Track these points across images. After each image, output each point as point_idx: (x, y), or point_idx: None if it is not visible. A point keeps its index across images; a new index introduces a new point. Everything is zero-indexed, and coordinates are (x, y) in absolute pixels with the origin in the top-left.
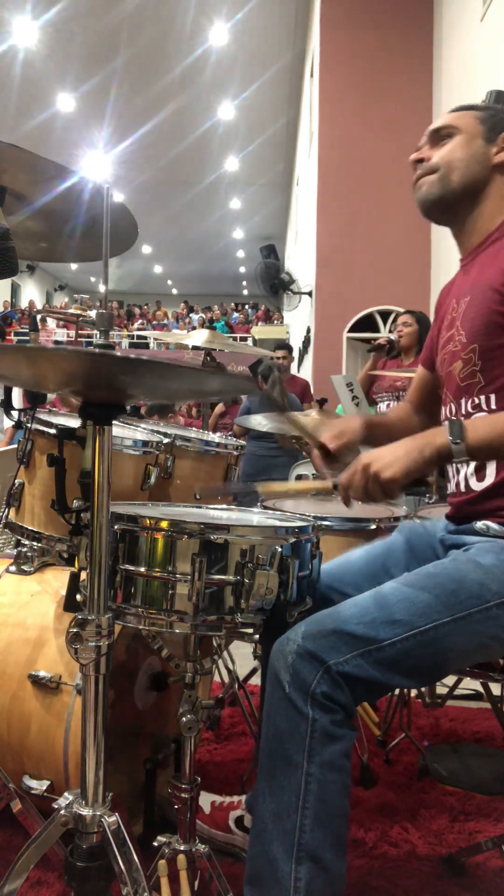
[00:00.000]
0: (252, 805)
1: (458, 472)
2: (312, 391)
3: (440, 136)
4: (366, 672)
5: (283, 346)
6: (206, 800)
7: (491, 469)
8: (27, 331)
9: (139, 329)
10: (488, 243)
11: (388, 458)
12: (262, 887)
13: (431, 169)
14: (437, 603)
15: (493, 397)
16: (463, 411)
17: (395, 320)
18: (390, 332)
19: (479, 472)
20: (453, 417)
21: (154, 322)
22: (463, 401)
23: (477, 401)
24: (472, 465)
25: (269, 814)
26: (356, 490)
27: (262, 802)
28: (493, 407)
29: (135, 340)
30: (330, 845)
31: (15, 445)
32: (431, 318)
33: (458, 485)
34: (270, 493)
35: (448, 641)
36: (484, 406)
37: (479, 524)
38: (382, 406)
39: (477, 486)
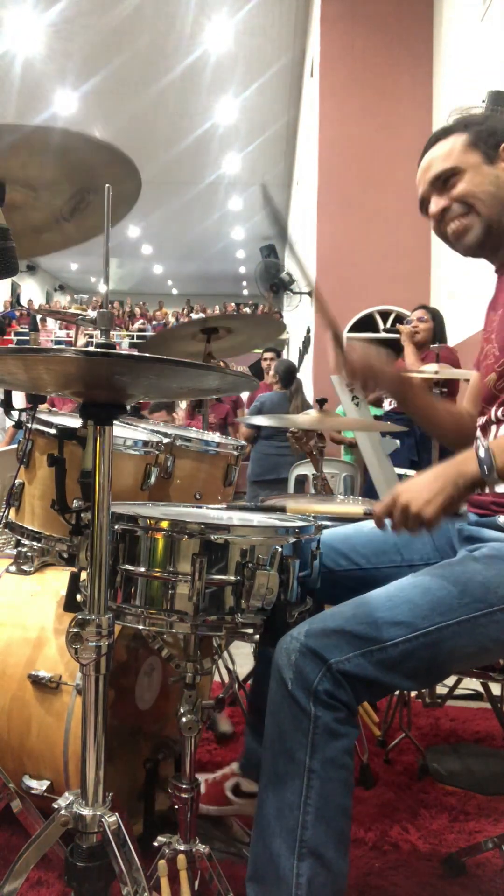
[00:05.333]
0: (245, 767)
1: None
2: (312, 391)
3: (444, 181)
4: (367, 672)
5: (271, 348)
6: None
7: None
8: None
9: (139, 329)
10: None
11: (426, 495)
12: (264, 884)
13: (457, 215)
14: (441, 605)
15: None
16: (494, 418)
17: (395, 321)
18: (387, 331)
19: None
20: (486, 426)
21: (154, 322)
22: (496, 409)
23: None
24: None
25: (272, 810)
26: (395, 525)
27: (264, 799)
28: None
29: (135, 340)
30: (332, 842)
31: (15, 445)
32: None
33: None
34: (299, 511)
35: (451, 644)
36: None
37: (502, 519)
38: (387, 403)
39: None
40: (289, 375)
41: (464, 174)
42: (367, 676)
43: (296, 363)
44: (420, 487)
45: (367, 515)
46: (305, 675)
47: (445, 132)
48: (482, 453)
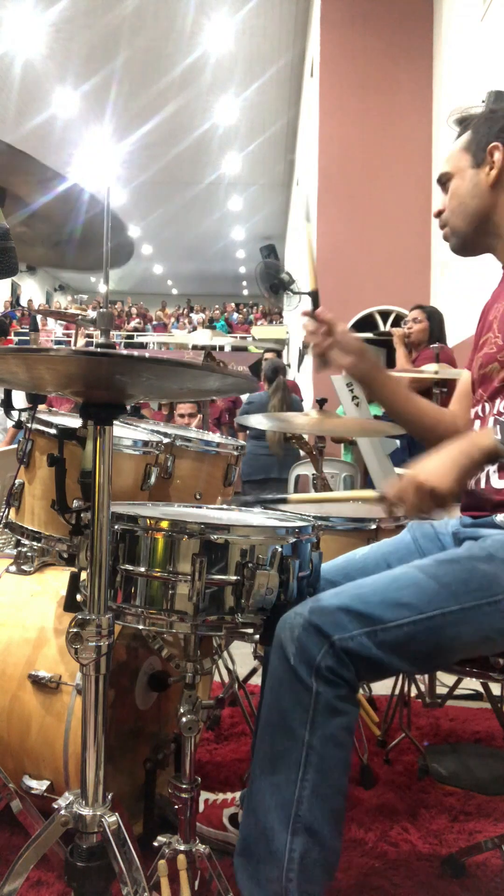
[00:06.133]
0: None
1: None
2: (312, 391)
3: (443, 185)
4: (369, 651)
5: (272, 349)
6: (200, 799)
7: None
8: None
9: (134, 329)
10: None
11: (440, 470)
12: (254, 858)
13: (443, 223)
14: (446, 591)
15: None
16: (494, 411)
17: (395, 321)
18: (380, 334)
19: (502, 471)
20: (488, 416)
21: (154, 322)
22: (498, 400)
23: None
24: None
25: (267, 785)
26: (410, 507)
27: (259, 774)
28: None
29: (130, 341)
30: (327, 820)
31: (15, 445)
32: (477, 322)
33: (478, 482)
34: (302, 501)
35: (454, 630)
36: None
37: (501, 517)
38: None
39: (499, 483)
40: (273, 374)
41: (451, 180)
42: (370, 656)
43: (295, 363)
44: (432, 465)
45: (381, 500)
46: (308, 651)
47: (465, 127)
48: (500, 426)
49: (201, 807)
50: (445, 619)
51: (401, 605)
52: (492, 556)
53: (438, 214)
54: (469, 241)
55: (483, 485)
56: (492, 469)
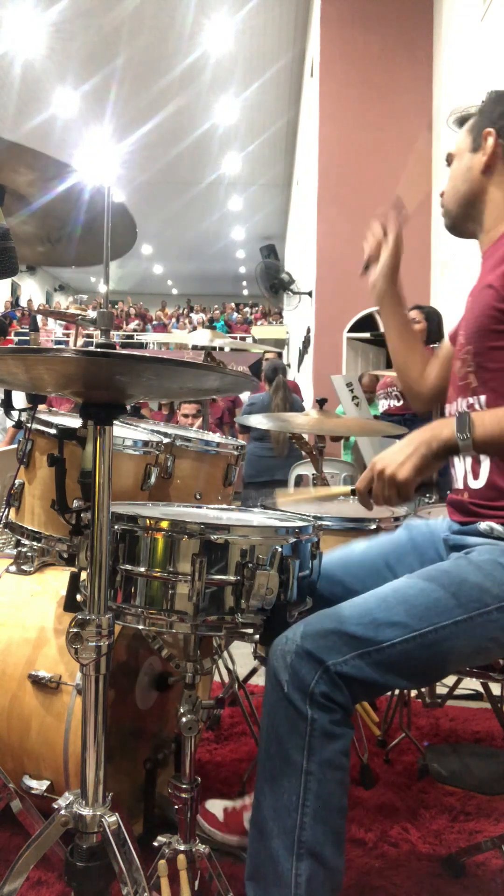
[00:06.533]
0: None
1: (457, 468)
2: (312, 391)
3: (449, 165)
4: (364, 673)
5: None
6: (218, 807)
7: (485, 466)
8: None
9: (134, 330)
10: (495, 247)
11: (399, 458)
12: (263, 882)
13: (442, 203)
14: (437, 606)
15: (483, 399)
16: (460, 410)
17: None
18: (378, 335)
19: (475, 470)
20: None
21: (154, 322)
22: (460, 400)
23: (471, 401)
24: (469, 462)
25: (270, 811)
26: (375, 497)
27: (261, 800)
28: (485, 408)
29: (129, 341)
30: (329, 841)
31: (15, 445)
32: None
33: (456, 481)
34: (288, 501)
35: (448, 644)
36: (477, 407)
37: (483, 525)
38: (382, 405)
39: (474, 483)
40: (273, 374)
41: (453, 161)
42: (365, 678)
43: (295, 363)
44: (393, 453)
45: (353, 493)
46: (302, 678)
47: (479, 112)
48: (461, 417)
49: (220, 816)
50: (438, 635)
51: (393, 625)
52: (478, 567)
53: (442, 194)
54: (458, 224)
55: (461, 485)
56: (467, 467)
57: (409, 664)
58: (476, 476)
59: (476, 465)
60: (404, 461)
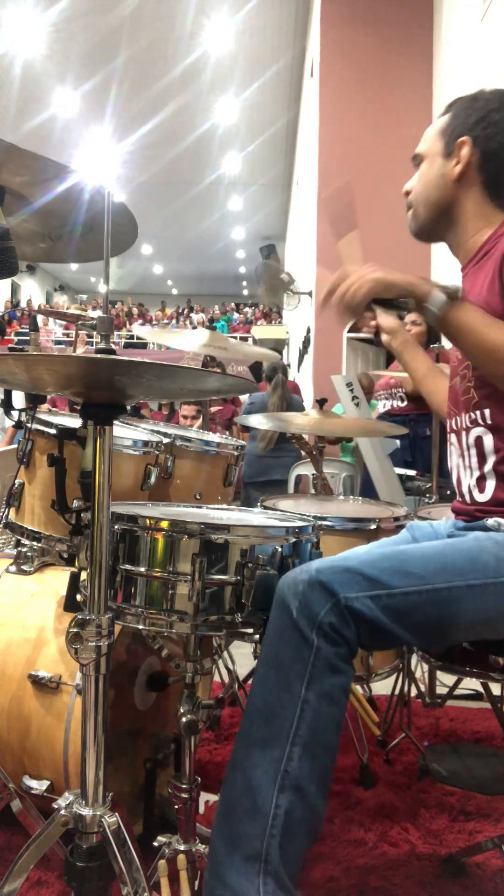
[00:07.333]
0: None
1: (462, 482)
2: (312, 391)
3: (416, 165)
4: (374, 614)
5: (273, 349)
6: (201, 799)
7: (490, 483)
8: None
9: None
10: (476, 260)
11: (385, 269)
12: (234, 817)
13: (408, 205)
14: (454, 567)
15: (487, 412)
16: (463, 425)
17: None
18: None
19: (480, 485)
20: (458, 432)
21: (154, 323)
22: (463, 415)
23: (474, 416)
24: (475, 477)
25: (257, 740)
26: (344, 286)
27: (249, 728)
28: (489, 422)
29: (131, 341)
30: (315, 779)
31: (15, 445)
32: None
33: (462, 495)
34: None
35: (458, 606)
36: (480, 421)
37: (491, 521)
38: (381, 406)
39: (479, 497)
40: (273, 373)
41: (422, 163)
42: (374, 619)
43: (295, 363)
44: (371, 267)
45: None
46: (312, 606)
47: (448, 108)
48: (447, 289)
49: (202, 808)
50: (451, 594)
51: (409, 574)
52: (496, 541)
53: (407, 194)
54: (426, 230)
55: (468, 499)
56: (472, 483)
57: (418, 617)
58: (482, 490)
59: (482, 480)
60: (386, 272)
